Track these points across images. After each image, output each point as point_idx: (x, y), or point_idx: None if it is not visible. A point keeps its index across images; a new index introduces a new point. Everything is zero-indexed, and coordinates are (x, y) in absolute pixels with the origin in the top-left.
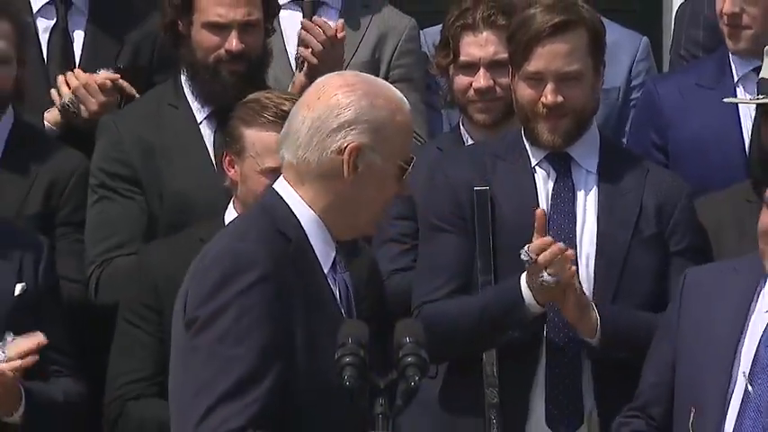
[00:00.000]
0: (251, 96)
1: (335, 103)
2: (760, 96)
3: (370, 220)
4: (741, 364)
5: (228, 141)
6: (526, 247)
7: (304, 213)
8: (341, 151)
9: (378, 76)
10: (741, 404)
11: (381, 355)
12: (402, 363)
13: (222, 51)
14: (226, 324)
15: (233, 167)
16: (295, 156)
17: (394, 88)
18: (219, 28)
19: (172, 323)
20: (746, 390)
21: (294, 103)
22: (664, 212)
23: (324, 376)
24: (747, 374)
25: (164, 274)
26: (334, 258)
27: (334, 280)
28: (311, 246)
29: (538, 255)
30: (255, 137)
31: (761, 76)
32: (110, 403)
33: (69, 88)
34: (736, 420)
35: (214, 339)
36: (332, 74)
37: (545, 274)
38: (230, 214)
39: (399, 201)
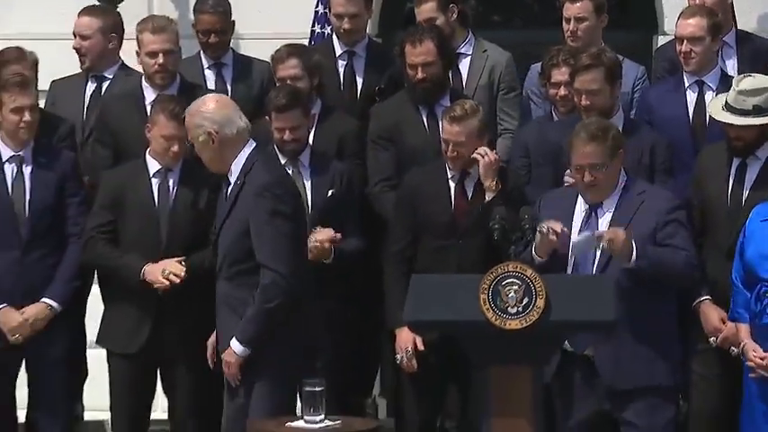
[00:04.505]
0: None
1: None
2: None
3: None
4: (573, 236)
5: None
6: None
7: None
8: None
9: (494, 89)
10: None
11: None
12: (522, 227)
13: (418, 76)
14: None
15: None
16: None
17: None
18: (413, 66)
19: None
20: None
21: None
22: (654, 153)
23: None
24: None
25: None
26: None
27: None
28: None
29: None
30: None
31: (726, 100)
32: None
33: None
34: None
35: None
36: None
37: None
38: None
39: (521, 146)
